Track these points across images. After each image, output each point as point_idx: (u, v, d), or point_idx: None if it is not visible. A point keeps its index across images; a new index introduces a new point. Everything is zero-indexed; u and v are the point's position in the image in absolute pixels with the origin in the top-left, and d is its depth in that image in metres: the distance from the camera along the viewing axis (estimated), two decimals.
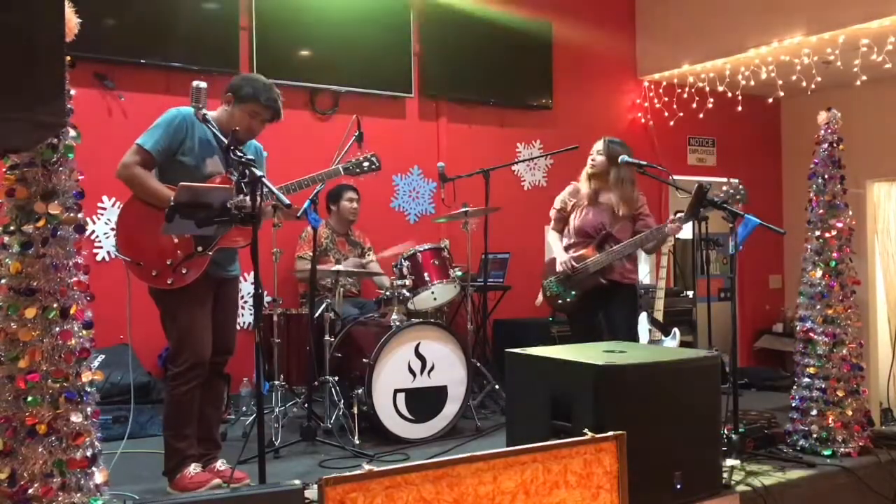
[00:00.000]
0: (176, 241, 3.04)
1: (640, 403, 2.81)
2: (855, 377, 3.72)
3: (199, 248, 3.06)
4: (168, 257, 3.04)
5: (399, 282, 4.24)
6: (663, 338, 4.45)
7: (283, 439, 3.79)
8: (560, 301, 4.33)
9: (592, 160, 4.29)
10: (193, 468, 3.13)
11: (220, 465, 3.28)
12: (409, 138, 5.85)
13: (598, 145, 4.30)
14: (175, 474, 3.12)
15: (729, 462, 3.20)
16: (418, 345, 4.10)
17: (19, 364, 2.15)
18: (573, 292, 4.26)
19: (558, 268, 4.27)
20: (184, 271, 3.04)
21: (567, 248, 4.32)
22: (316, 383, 4.02)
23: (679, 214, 4.06)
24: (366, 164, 3.70)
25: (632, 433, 2.52)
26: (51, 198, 2.21)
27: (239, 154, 2.76)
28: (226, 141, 2.89)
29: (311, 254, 4.14)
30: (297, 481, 2.26)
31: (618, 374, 2.79)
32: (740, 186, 3.78)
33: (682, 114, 6.97)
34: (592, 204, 4.28)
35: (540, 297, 4.53)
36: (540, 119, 6.41)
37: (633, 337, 4.27)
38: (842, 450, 3.62)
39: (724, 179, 3.98)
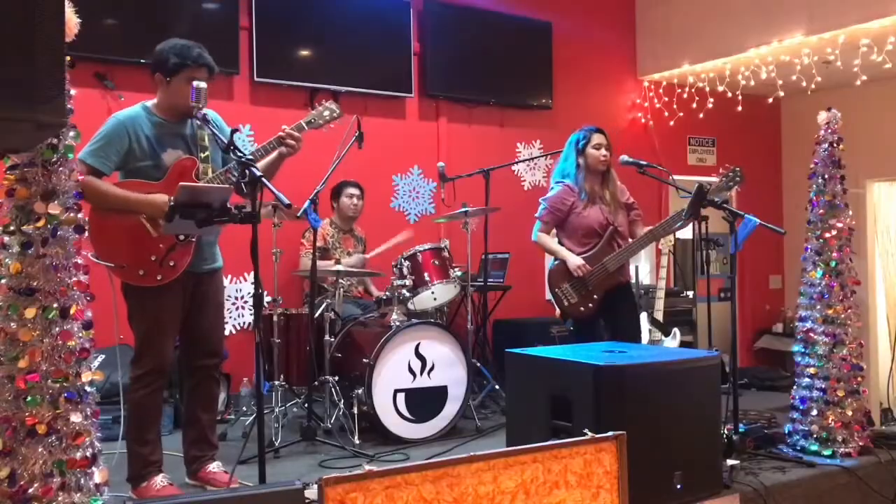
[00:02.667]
0: (154, 235, 2.96)
1: (640, 403, 2.81)
2: (855, 377, 3.72)
3: (181, 237, 2.99)
4: (151, 254, 2.96)
5: (399, 282, 4.24)
6: (663, 338, 4.46)
7: (283, 439, 3.79)
8: (582, 308, 4.07)
9: (605, 155, 4.12)
10: (161, 479, 3.04)
11: (215, 467, 3.24)
12: (409, 138, 5.86)
13: (602, 139, 4.15)
14: (139, 482, 3.03)
15: (729, 462, 3.20)
16: (418, 345, 4.10)
17: (19, 364, 2.15)
18: (594, 296, 4.06)
19: (575, 273, 4.03)
20: (171, 264, 2.98)
21: (570, 251, 4.11)
22: (316, 383, 4.02)
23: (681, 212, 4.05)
24: (326, 112, 3.37)
25: (632, 433, 2.51)
26: (51, 198, 2.21)
27: (239, 154, 2.75)
28: (223, 139, 2.88)
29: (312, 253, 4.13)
30: (297, 481, 2.26)
31: (618, 374, 2.79)
32: (737, 169, 3.79)
33: (682, 114, 6.97)
34: (593, 201, 4.13)
35: (557, 310, 4.29)
36: (540, 119, 6.41)
37: (639, 338, 4.23)
38: (842, 450, 3.62)
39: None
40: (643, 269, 6.47)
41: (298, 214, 3.74)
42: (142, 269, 2.96)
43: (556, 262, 4.18)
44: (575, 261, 4.05)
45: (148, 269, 2.97)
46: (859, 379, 3.74)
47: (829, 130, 3.82)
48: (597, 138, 4.16)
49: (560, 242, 4.20)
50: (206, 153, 3.13)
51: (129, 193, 2.97)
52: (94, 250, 2.97)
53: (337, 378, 4.06)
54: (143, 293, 3.00)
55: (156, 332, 3.04)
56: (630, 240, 4.12)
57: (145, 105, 3.13)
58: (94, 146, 2.99)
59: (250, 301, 5.08)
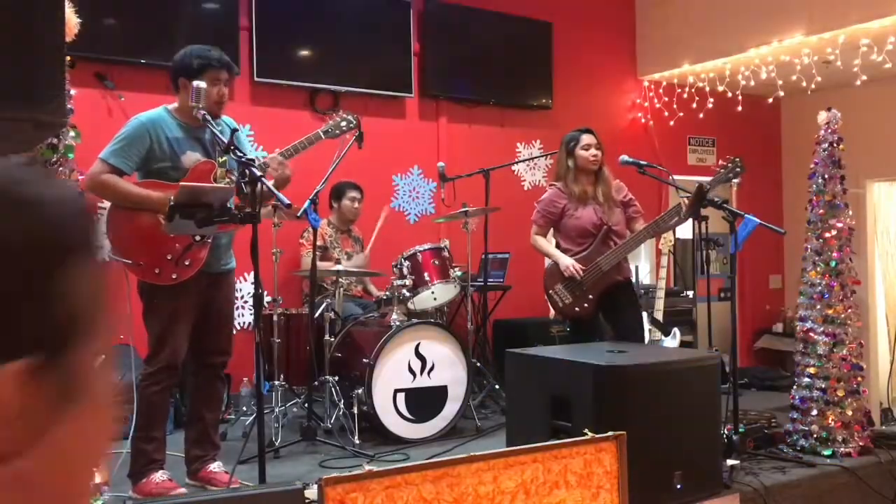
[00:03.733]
0: (171, 234, 2.98)
1: (640, 403, 2.81)
2: (855, 377, 3.73)
3: (197, 238, 3.01)
4: (167, 252, 2.98)
5: (399, 282, 4.24)
6: (663, 338, 4.45)
7: (283, 439, 3.79)
8: (577, 308, 4.07)
9: (594, 155, 4.11)
10: (161, 475, 3.06)
11: (216, 467, 3.24)
12: (409, 138, 5.85)
13: (592, 139, 4.14)
14: (140, 478, 3.03)
15: (729, 462, 3.21)
16: (418, 345, 4.10)
17: None
18: (590, 296, 4.05)
19: (565, 273, 4.04)
20: (187, 262, 3.00)
21: (566, 252, 4.12)
22: (316, 383, 4.02)
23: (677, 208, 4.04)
24: (343, 123, 3.53)
25: (632, 433, 2.51)
26: None
27: (239, 154, 2.75)
28: (225, 140, 2.88)
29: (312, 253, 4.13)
30: (297, 481, 2.26)
31: (618, 374, 2.80)
32: (737, 160, 3.78)
33: (682, 114, 6.96)
34: (585, 201, 4.12)
35: (552, 310, 4.31)
36: (540, 119, 6.41)
37: (642, 336, 4.22)
38: (842, 450, 3.63)
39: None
40: (643, 268, 6.47)
41: (298, 214, 3.75)
42: (158, 268, 2.99)
43: (550, 263, 4.19)
44: (565, 261, 4.06)
45: (164, 267, 2.99)
46: (859, 379, 3.75)
47: (829, 130, 3.82)
48: (586, 139, 4.15)
49: (557, 244, 4.21)
50: (224, 157, 3.16)
51: (148, 191, 3.00)
52: (111, 248, 3.01)
53: (337, 378, 4.06)
54: (158, 291, 3.03)
55: (170, 330, 3.06)
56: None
57: (167, 108, 3.16)
58: (115, 146, 3.02)
59: (250, 301, 5.08)
